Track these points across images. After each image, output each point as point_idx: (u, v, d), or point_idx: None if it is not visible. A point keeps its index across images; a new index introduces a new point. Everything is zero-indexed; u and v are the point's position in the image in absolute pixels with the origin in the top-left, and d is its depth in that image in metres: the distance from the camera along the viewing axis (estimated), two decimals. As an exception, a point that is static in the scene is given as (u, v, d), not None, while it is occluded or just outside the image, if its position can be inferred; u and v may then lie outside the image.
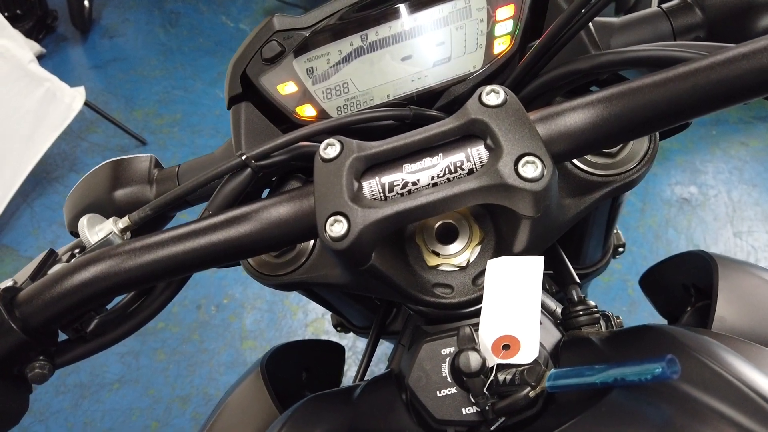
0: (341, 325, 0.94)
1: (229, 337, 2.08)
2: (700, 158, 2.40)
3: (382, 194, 0.41)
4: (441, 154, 0.41)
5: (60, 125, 2.54)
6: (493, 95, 0.40)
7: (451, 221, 0.48)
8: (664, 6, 0.53)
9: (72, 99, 2.56)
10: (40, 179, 2.66)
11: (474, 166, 0.40)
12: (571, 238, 0.74)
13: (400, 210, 0.39)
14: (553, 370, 0.36)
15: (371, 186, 0.41)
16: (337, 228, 0.39)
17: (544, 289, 0.64)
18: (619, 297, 2.02)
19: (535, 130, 0.39)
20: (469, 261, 0.47)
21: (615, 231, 0.88)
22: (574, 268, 0.82)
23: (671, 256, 0.76)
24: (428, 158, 0.41)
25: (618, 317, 0.54)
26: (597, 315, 0.52)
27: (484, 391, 0.37)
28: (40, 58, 3.25)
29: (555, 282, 0.77)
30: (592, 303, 0.53)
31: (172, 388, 1.98)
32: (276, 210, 0.43)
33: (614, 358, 0.40)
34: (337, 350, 0.92)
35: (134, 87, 3.13)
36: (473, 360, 0.37)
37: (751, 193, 2.26)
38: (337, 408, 0.46)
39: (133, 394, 1.98)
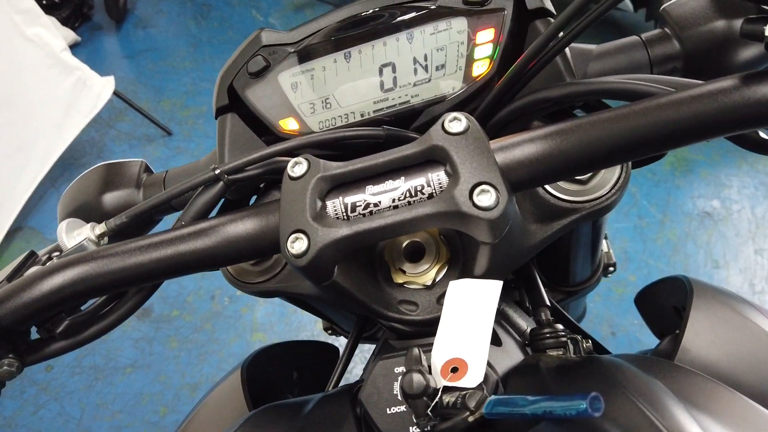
0: (331, 329, 0.96)
1: (240, 329, 2.12)
2: (725, 172, 2.35)
3: (344, 214, 0.42)
4: (403, 178, 0.42)
5: (89, 113, 2.62)
6: (456, 122, 0.41)
7: (419, 240, 0.49)
8: (643, 36, 0.53)
9: (102, 88, 2.63)
10: (68, 165, 2.74)
11: (434, 191, 0.41)
12: (555, 257, 0.75)
13: (359, 230, 0.40)
14: (493, 397, 0.37)
15: (335, 205, 0.42)
16: (297, 245, 0.40)
17: (521, 306, 0.64)
18: (632, 310, 1.99)
19: (493, 158, 0.39)
20: (435, 280, 0.48)
21: (607, 251, 0.87)
22: (564, 286, 0.83)
23: (662, 278, 0.76)
24: (391, 181, 0.42)
25: (588, 341, 0.54)
26: (564, 339, 0.52)
27: (428, 412, 0.38)
28: (75, 46, 3.35)
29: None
30: (560, 326, 0.53)
31: (183, 375, 2.03)
32: (243, 224, 0.44)
33: (555, 388, 0.40)
34: (331, 351, 0.93)
35: (164, 78, 3.20)
36: (416, 382, 0.38)
37: (776, 210, 2.21)
38: (287, 420, 0.48)
39: (145, 379, 2.04)
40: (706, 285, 0.60)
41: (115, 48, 3.48)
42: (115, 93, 2.69)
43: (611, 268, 0.86)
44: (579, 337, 0.53)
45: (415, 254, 0.49)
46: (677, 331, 0.66)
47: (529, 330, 0.55)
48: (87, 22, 3.60)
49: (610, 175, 0.49)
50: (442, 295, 0.47)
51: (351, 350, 0.66)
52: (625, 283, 2.08)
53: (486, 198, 0.38)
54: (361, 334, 0.68)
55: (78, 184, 0.65)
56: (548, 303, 0.58)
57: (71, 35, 3.31)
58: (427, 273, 0.48)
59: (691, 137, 0.36)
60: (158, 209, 0.51)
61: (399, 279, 0.49)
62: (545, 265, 0.77)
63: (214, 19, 3.50)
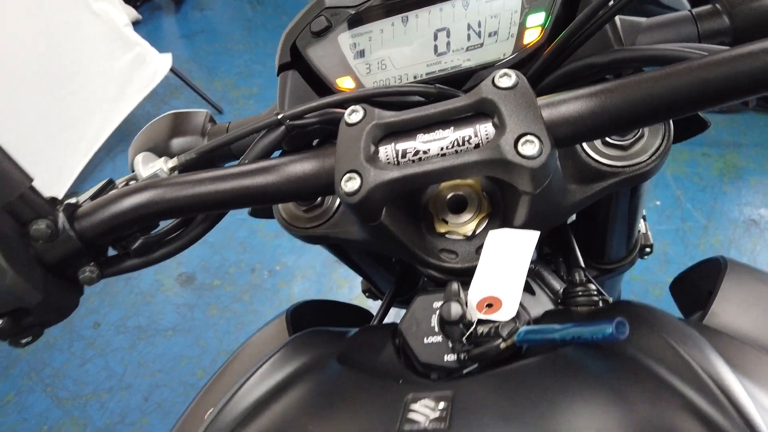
0: (369, 291, 1.00)
1: (277, 302, 2.19)
2: (776, 180, 2.30)
3: (395, 159, 0.45)
4: (452, 128, 0.45)
5: (146, 88, 2.72)
6: (506, 78, 0.44)
7: (462, 194, 0.52)
8: (693, 10, 0.55)
9: (159, 64, 2.73)
10: (124, 136, 2.85)
11: (480, 141, 0.44)
12: (591, 231, 0.76)
13: (408, 174, 0.44)
14: (524, 327, 0.40)
15: (387, 151, 0.46)
16: (351, 184, 0.44)
17: (556, 273, 0.67)
18: (668, 311, 1.97)
19: (539, 112, 0.42)
20: (475, 232, 0.51)
21: (644, 231, 0.88)
22: (599, 263, 0.84)
23: (698, 261, 0.76)
24: (440, 130, 0.45)
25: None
26: (596, 298, 0.54)
27: (463, 339, 0.42)
28: (136, 24, 3.47)
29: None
30: (593, 287, 0.55)
31: (220, 341, 2.11)
32: (301, 165, 0.48)
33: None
34: (367, 317, 0.97)
35: (217, 58, 3.29)
36: (454, 309, 0.41)
37: (827, 222, 2.15)
38: (331, 343, 0.51)
39: (185, 343, 2.12)
40: (743, 264, 0.61)
41: (172, 28, 3.60)
42: (171, 70, 2.79)
43: (648, 249, 0.87)
44: (611, 300, 0.55)
45: (458, 206, 0.52)
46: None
47: (562, 290, 0.57)
48: (148, 1, 3.73)
49: (651, 143, 0.51)
50: (481, 246, 0.50)
51: (385, 311, 0.70)
52: (663, 285, 2.06)
53: (530, 148, 0.41)
54: (396, 294, 0.71)
55: (148, 129, 0.70)
56: (583, 265, 0.61)
57: (133, 13, 3.44)
58: (468, 224, 0.51)
59: (725, 96, 0.38)
60: (223, 151, 0.56)
61: (441, 228, 0.52)
62: (582, 239, 0.79)
63: (269, 5, 3.58)
